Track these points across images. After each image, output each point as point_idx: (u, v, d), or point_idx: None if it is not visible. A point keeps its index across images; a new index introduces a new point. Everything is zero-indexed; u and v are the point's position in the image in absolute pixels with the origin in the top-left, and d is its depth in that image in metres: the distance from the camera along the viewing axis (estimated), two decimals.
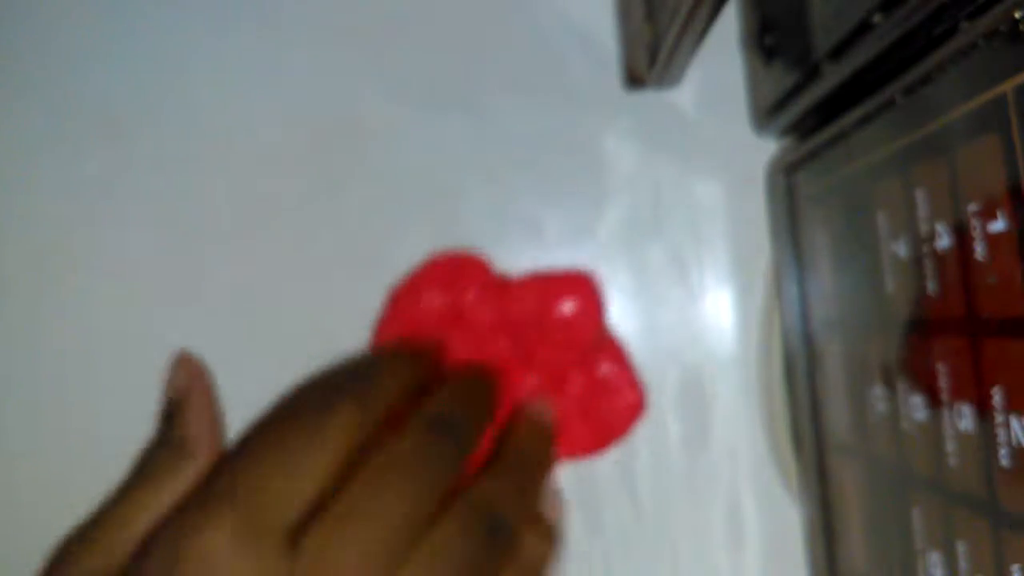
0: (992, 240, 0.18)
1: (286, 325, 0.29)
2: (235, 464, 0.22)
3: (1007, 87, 0.17)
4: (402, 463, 0.22)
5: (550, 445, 0.28)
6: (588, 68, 0.31)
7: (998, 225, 0.17)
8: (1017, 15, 0.16)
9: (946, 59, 0.19)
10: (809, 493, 0.29)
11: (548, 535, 0.26)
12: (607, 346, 0.30)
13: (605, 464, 0.31)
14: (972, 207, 0.18)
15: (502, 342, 0.29)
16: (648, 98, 0.31)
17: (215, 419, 0.25)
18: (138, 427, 0.26)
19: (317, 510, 0.21)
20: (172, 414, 0.25)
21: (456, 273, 0.29)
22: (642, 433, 0.31)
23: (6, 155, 0.31)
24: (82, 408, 0.30)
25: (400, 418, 0.24)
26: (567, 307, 0.29)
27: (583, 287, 0.29)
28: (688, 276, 0.31)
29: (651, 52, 0.28)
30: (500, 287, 0.29)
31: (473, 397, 0.26)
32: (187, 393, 0.25)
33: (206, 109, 0.31)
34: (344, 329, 0.29)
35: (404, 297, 0.29)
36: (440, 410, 0.24)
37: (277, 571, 0.20)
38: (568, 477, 0.31)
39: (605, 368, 0.29)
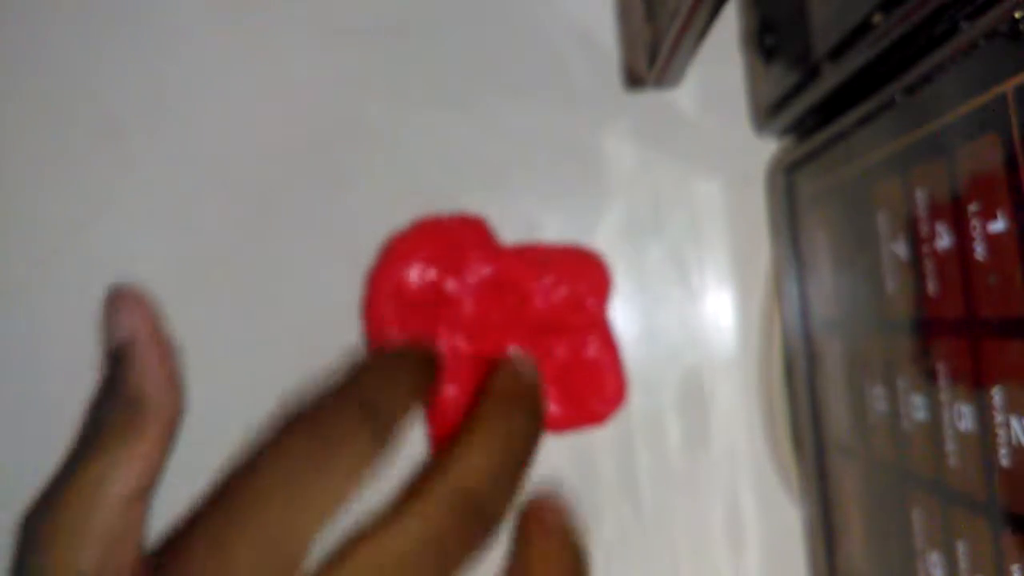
0: (992, 240, 0.18)
1: (287, 323, 0.29)
2: (250, 496, 0.21)
3: (1007, 87, 0.17)
4: (425, 544, 0.21)
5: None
6: (588, 68, 0.31)
7: (998, 225, 0.17)
8: (1017, 15, 0.16)
9: (946, 59, 0.19)
10: (809, 493, 0.29)
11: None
12: (600, 329, 0.30)
13: (605, 464, 0.31)
14: (972, 207, 0.18)
15: (497, 297, 0.29)
16: (648, 98, 0.31)
17: (172, 367, 0.22)
18: None
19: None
20: (120, 361, 0.22)
21: (453, 236, 0.29)
22: (642, 433, 0.31)
23: (7, 156, 0.31)
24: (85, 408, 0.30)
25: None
26: (577, 278, 0.29)
27: (594, 263, 0.29)
28: (688, 276, 0.31)
29: (651, 52, 0.28)
30: (501, 251, 0.29)
31: (512, 454, 0.23)
32: (136, 336, 0.22)
33: (207, 109, 0.31)
34: (345, 329, 0.29)
35: (399, 250, 0.29)
36: (471, 483, 0.22)
37: None
38: (569, 477, 0.31)
39: (592, 349, 0.29)
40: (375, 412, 0.22)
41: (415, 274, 0.29)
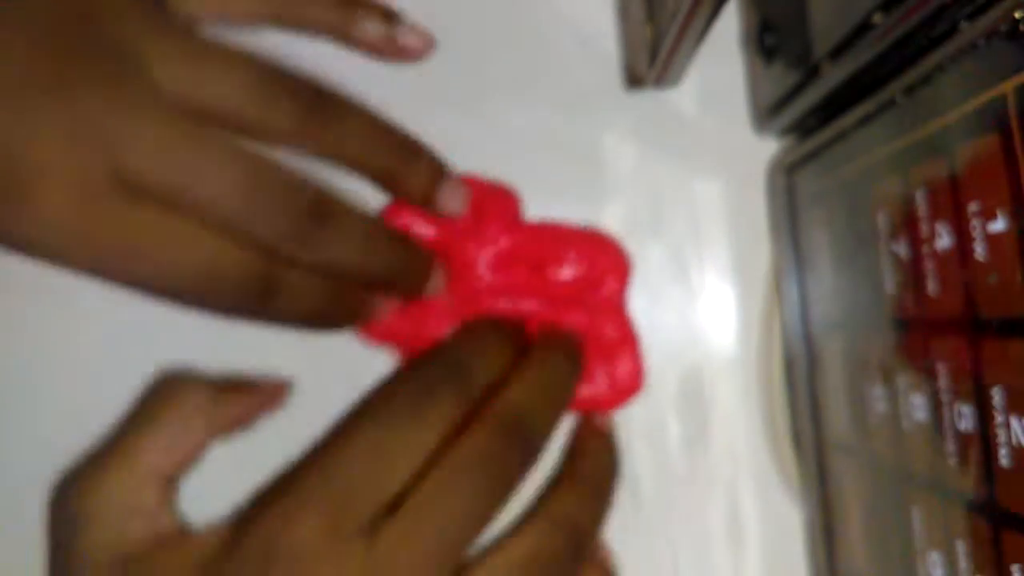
0: (992, 240, 0.18)
1: None
2: (328, 454, 0.22)
3: (1007, 87, 0.17)
4: (476, 465, 0.22)
5: (618, 464, 0.28)
6: (588, 68, 0.31)
7: (998, 225, 0.17)
8: (1017, 15, 0.16)
9: (946, 59, 0.19)
10: (809, 493, 0.29)
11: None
12: (618, 313, 0.29)
13: None
14: (972, 207, 0.18)
15: (514, 267, 0.29)
16: (648, 98, 0.31)
17: (261, 407, 0.26)
18: None
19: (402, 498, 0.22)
20: (236, 384, 0.26)
21: (483, 202, 0.29)
22: (642, 433, 0.31)
23: None
24: (85, 406, 0.30)
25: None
26: (597, 257, 0.29)
27: (613, 247, 0.29)
28: (688, 276, 0.31)
29: (651, 52, 0.28)
30: (523, 225, 0.29)
31: (554, 388, 0.26)
32: (261, 385, 0.26)
33: None
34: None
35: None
36: (518, 409, 0.24)
37: (353, 561, 0.20)
38: None
39: (610, 331, 0.29)
40: (460, 389, 0.24)
41: (424, 222, 0.28)
